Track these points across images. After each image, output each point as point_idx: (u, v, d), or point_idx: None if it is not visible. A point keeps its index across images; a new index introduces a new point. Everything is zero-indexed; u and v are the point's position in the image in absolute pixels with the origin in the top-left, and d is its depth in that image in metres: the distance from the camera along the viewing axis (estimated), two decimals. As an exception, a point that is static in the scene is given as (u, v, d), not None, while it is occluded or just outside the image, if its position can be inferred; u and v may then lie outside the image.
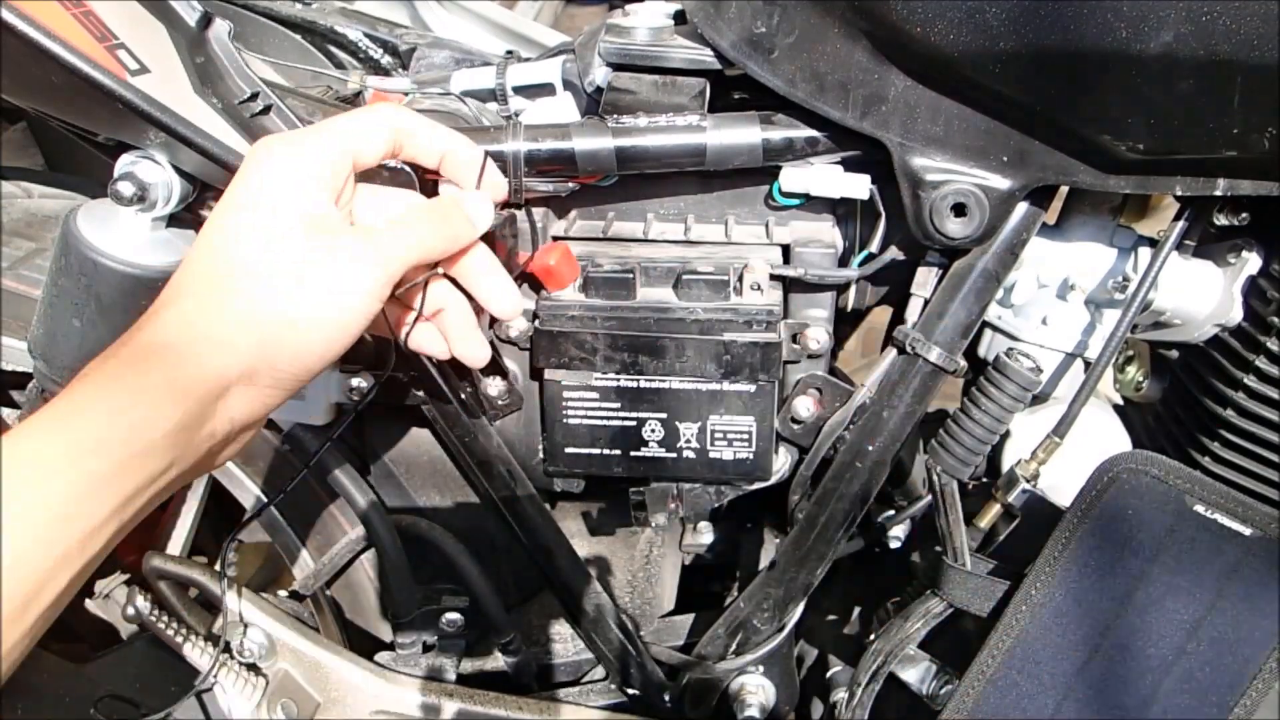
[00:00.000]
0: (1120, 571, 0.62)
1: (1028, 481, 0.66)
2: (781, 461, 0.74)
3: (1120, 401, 0.79)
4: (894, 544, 0.80)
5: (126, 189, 0.59)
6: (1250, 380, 0.63)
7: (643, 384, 0.69)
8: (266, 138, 0.50)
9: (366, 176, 0.54)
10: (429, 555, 0.84)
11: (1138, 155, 0.57)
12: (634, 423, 0.70)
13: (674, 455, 0.71)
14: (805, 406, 0.71)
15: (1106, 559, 0.62)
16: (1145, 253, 0.66)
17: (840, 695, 0.80)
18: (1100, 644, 0.63)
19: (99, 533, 0.42)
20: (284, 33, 0.86)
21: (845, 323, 0.80)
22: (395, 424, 0.82)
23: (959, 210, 0.62)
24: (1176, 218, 0.63)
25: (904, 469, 0.84)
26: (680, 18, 0.70)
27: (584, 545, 0.93)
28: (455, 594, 0.85)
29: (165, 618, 0.85)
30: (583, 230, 0.71)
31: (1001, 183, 0.61)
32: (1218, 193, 0.58)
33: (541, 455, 0.75)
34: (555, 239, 0.70)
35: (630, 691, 0.83)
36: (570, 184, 0.67)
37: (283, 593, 0.91)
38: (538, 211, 0.69)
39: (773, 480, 0.73)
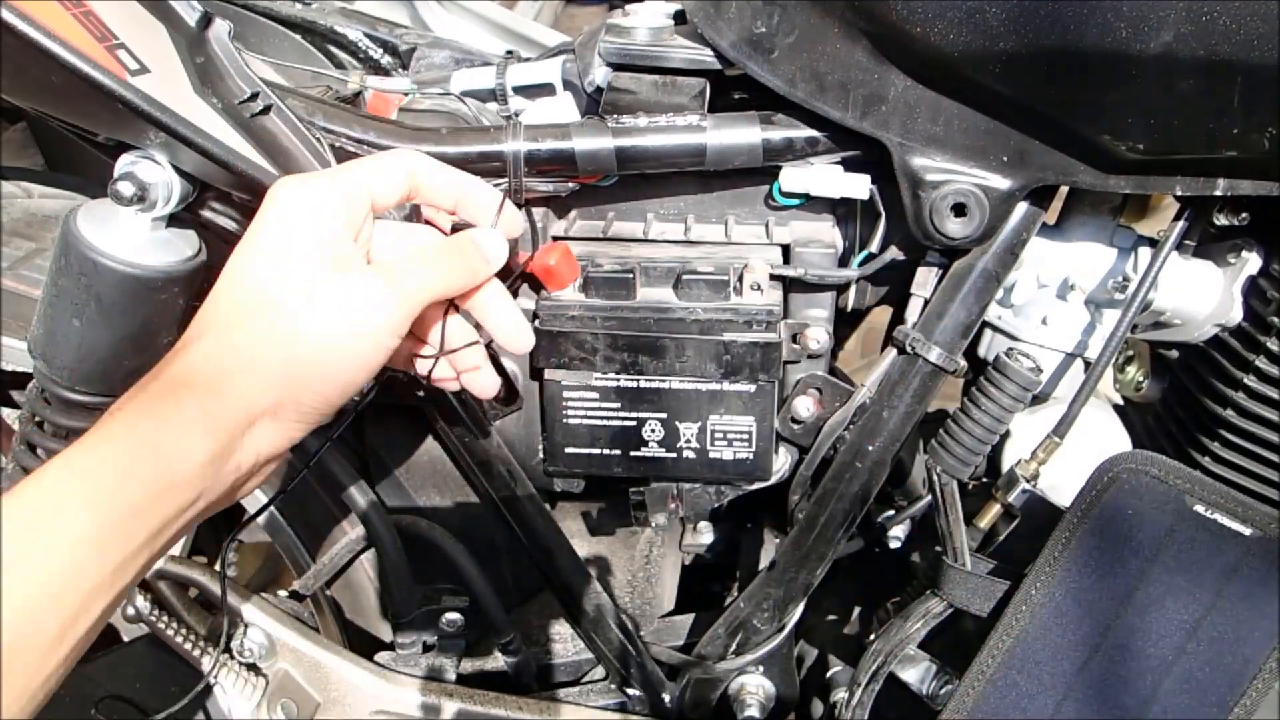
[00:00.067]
0: (1120, 571, 0.62)
1: (1028, 481, 0.66)
2: (781, 461, 0.74)
3: (1120, 401, 0.79)
4: (894, 544, 0.80)
5: (126, 189, 0.59)
6: (1250, 380, 0.63)
7: (643, 384, 0.69)
8: (286, 178, 0.52)
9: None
10: (429, 555, 0.84)
11: (1138, 155, 0.57)
12: (634, 423, 0.70)
13: (674, 455, 0.71)
14: (805, 406, 0.71)
15: (1106, 559, 0.62)
16: (1145, 253, 0.66)
17: (840, 695, 0.80)
18: (1100, 644, 0.63)
19: (131, 563, 0.43)
20: (284, 33, 0.86)
21: (845, 323, 0.80)
22: (395, 424, 0.82)
23: (959, 210, 0.62)
24: (1176, 218, 0.63)
25: (904, 469, 0.84)
26: (680, 18, 0.70)
27: (584, 545, 0.93)
28: (455, 594, 0.85)
29: (165, 618, 0.85)
30: (583, 230, 0.71)
31: (1001, 183, 0.61)
32: (1218, 193, 0.58)
33: (541, 455, 0.75)
34: (555, 239, 0.70)
35: (630, 691, 0.83)
36: (570, 184, 0.67)
37: (283, 593, 0.91)
38: (538, 211, 0.69)
39: (773, 480, 0.73)
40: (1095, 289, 0.68)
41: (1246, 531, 0.60)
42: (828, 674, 0.86)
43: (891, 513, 0.79)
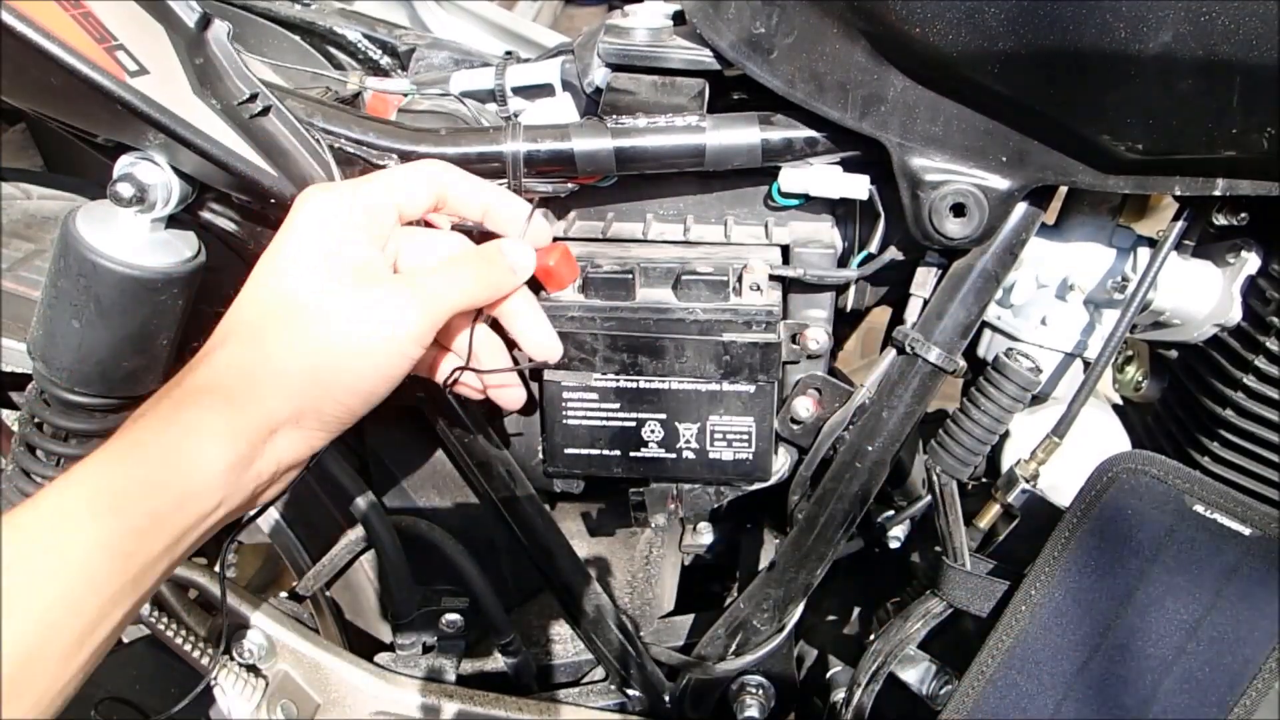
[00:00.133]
0: (1120, 571, 0.62)
1: (1027, 481, 0.66)
2: (781, 462, 0.74)
3: (1120, 401, 0.79)
4: (894, 544, 0.80)
5: (126, 190, 0.59)
6: (1250, 380, 0.63)
7: (642, 384, 0.69)
8: (313, 187, 0.53)
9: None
10: (429, 556, 0.84)
11: (1137, 155, 0.57)
12: (633, 423, 0.70)
13: (674, 456, 0.71)
14: (805, 407, 0.71)
15: (1106, 559, 0.62)
16: (1144, 253, 0.66)
17: (840, 695, 0.80)
18: (1100, 644, 0.63)
19: (150, 570, 0.43)
20: (283, 34, 0.86)
21: (845, 323, 0.80)
22: (395, 424, 0.82)
23: (958, 210, 0.62)
24: (1176, 218, 0.63)
25: (904, 469, 0.84)
26: (679, 18, 0.70)
27: (584, 545, 0.93)
28: (455, 594, 0.85)
29: (165, 619, 0.85)
30: (582, 231, 0.71)
31: (1001, 183, 0.61)
32: (1217, 193, 0.58)
33: (541, 456, 0.75)
34: (555, 239, 0.70)
35: (630, 692, 0.83)
36: (569, 185, 0.67)
37: (283, 593, 0.91)
38: (537, 212, 0.69)
39: (772, 480, 0.73)
40: (1094, 289, 0.68)
41: (1246, 531, 0.60)
42: (828, 674, 0.86)
43: (891, 513, 0.79)
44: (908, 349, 0.67)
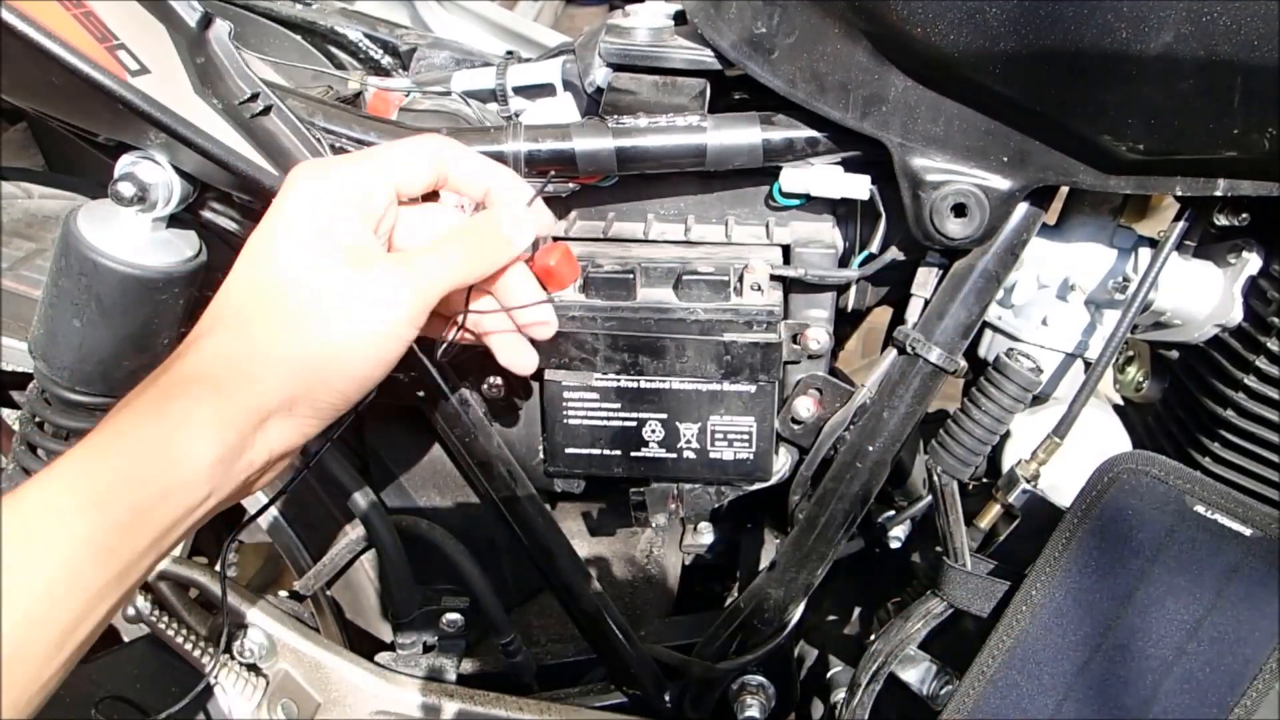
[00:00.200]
0: (1120, 571, 0.62)
1: (1028, 482, 0.66)
2: (781, 462, 0.74)
3: (1120, 401, 0.79)
4: (894, 544, 0.80)
5: (127, 189, 0.59)
6: (1250, 380, 0.63)
7: (643, 384, 0.69)
8: (305, 164, 0.50)
9: None
10: (429, 555, 0.84)
11: (1138, 155, 0.57)
12: (634, 423, 0.70)
13: (674, 455, 0.71)
14: (805, 407, 0.71)
15: (1107, 559, 0.62)
16: (1145, 253, 0.66)
17: (840, 695, 0.80)
18: (1100, 644, 0.63)
19: (136, 565, 0.42)
20: (284, 33, 0.86)
21: (845, 323, 0.80)
22: (395, 424, 0.82)
23: (959, 210, 0.62)
24: (1177, 218, 0.63)
25: (904, 469, 0.84)
26: (680, 18, 0.70)
27: (584, 545, 0.93)
28: (455, 594, 0.85)
29: (166, 618, 0.85)
30: (583, 230, 0.71)
31: (1002, 183, 0.61)
32: (1218, 193, 0.58)
33: (541, 455, 0.75)
34: (555, 239, 0.70)
35: (630, 692, 0.83)
36: (570, 184, 0.67)
37: (283, 593, 0.91)
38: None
39: (773, 480, 0.73)
40: (1095, 289, 0.68)
41: (1247, 532, 0.60)
42: (828, 674, 0.86)
43: (892, 513, 0.79)
44: (909, 349, 0.67)
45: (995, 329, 0.72)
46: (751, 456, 0.71)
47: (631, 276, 0.67)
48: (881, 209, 0.67)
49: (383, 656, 0.86)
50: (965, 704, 0.66)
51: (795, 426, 0.72)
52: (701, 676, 0.81)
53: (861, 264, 0.69)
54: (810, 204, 0.69)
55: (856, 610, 0.90)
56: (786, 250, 0.70)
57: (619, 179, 0.69)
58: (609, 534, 0.94)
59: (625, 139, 0.64)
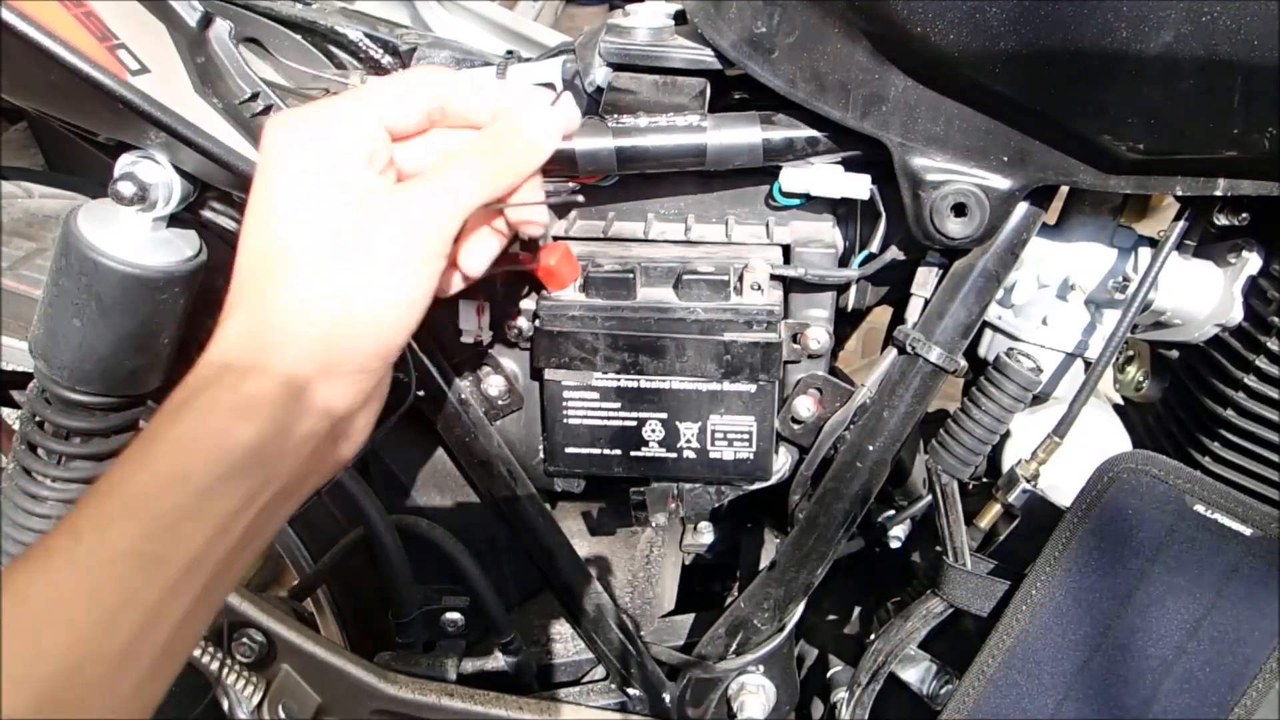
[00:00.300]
0: (1120, 571, 0.62)
1: (1028, 481, 0.66)
2: (781, 461, 0.74)
3: (1120, 401, 0.79)
4: (894, 544, 0.80)
5: (127, 189, 0.59)
6: (1250, 380, 0.63)
7: (643, 384, 0.69)
8: (279, 115, 0.46)
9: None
10: (429, 555, 0.84)
11: (1138, 155, 0.57)
12: (634, 423, 0.70)
13: (674, 455, 0.71)
14: (805, 406, 0.71)
15: (1107, 559, 0.62)
16: (1145, 253, 0.66)
17: (840, 695, 0.80)
18: (1100, 644, 0.63)
19: (199, 565, 0.40)
20: (284, 33, 0.86)
21: (845, 323, 0.80)
22: (395, 424, 0.82)
23: (959, 210, 0.62)
24: (1177, 218, 0.63)
25: (904, 469, 0.84)
26: (680, 18, 0.70)
27: (584, 545, 0.93)
28: (455, 594, 0.85)
29: (165, 618, 0.85)
30: (583, 230, 0.71)
31: (1002, 183, 0.61)
32: (1218, 193, 0.58)
33: (541, 455, 0.75)
34: (555, 239, 0.70)
35: (630, 691, 0.83)
36: (570, 184, 0.67)
37: (283, 592, 0.91)
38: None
39: (773, 480, 0.73)
40: (1095, 289, 0.68)
41: (1247, 531, 0.60)
42: (828, 674, 0.86)
43: (892, 513, 0.79)
44: (909, 349, 0.67)
45: (995, 329, 0.72)
46: (751, 456, 0.71)
47: (631, 276, 0.67)
48: (881, 209, 0.67)
49: (383, 656, 0.86)
50: (965, 704, 0.66)
51: (795, 426, 0.72)
52: (701, 676, 0.81)
53: (861, 264, 0.69)
54: (810, 203, 0.69)
55: (856, 610, 0.90)
56: (786, 250, 0.70)
57: (619, 178, 0.69)
58: (609, 533, 0.94)
59: (625, 138, 0.64)
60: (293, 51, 0.76)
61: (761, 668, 0.80)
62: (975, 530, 0.69)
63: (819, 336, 0.70)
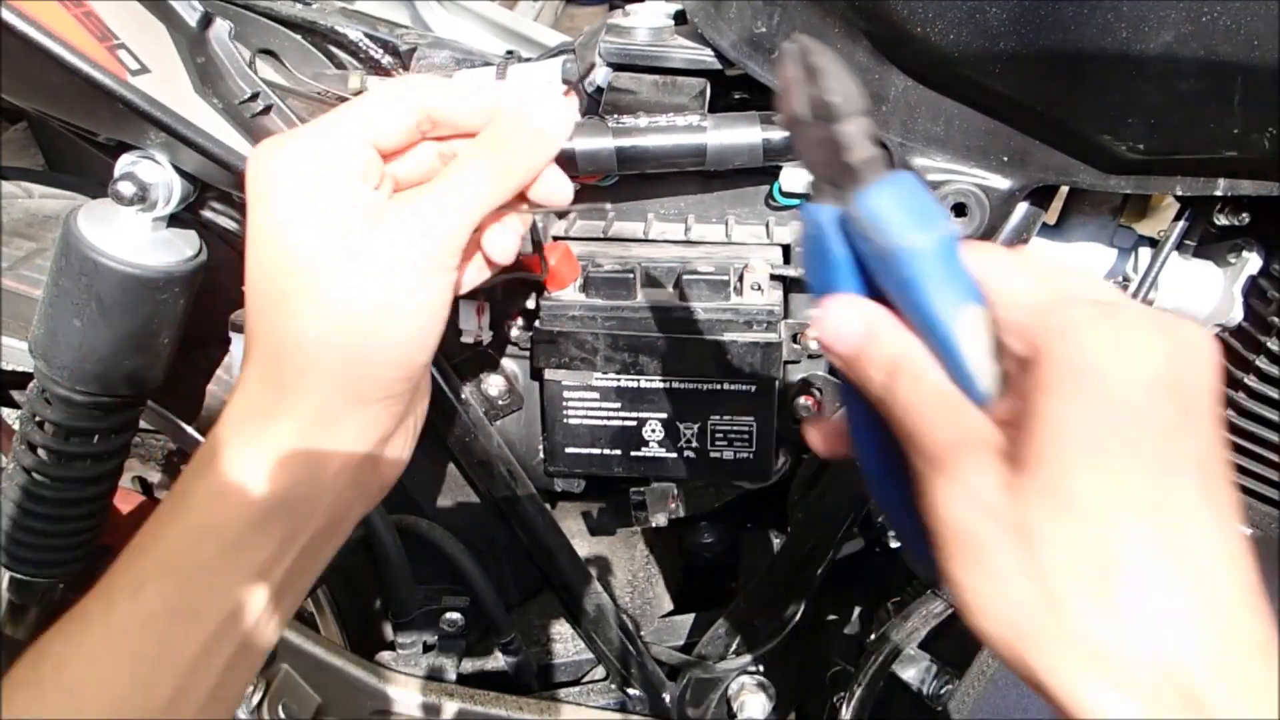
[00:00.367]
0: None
1: (1028, 481, 0.66)
2: (781, 461, 0.74)
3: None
4: (894, 544, 0.80)
5: (127, 189, 0.59)
6: (1250, 380, 0.63)
7: (643, 384, 0.69)
8: (263, 144, 0.44)
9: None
10: (429, 555, 0.84)
11: (1138, 155, 0.57)
12: (634, 423, 0.70)
13: (674, 455, 0.71)
14: (805, 407, 0.71)
15: (1107, 559, 0.62)
16: (1145, 253, 0.66)
17: (840, 695, 0.80)
18: (1100, 644, 0.63)
19: (241, 611, 0.40)
20: (284, 33, 0.86)
21: (846, 323, 0.80)
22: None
23: (959, 210, 0.62)
24: (1177, 218, 0.63)
25: (904, 469, 0.84)
26: (680, 18, 0.70)
27: (584, 545, 0.93)
28: (455, 594, 0.85)
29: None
30: (583, 230, 0.71)
31: (1002, 183, 0.61)
32: (1218, 193, 0.58)
33: (541, 455, 0.75)
34: (555, 239, 0.70)
35: (630, 691, 0.83)
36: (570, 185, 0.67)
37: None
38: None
39: (773, 480, 0.73)
40: (1095, 289, 0.68)
41: (1247, 531, 0.60)
42: (828, 674, 0.86)
43: (892, 513, 0.79)
44: (908, 349, 0.66)
45: (995, 329, 0.72)
46: (751, 456, 0.71)
47: (631, 276, 0.67)
48: (881, 209, 0.67)
49: (383, 656, 0.86)
50: (965, 704, 0.66)
51: (795, 426, 0.72)
52: (701, 676, 0.81)
53: (861, 264, 0.69)
54: (810, 204, 0.69)
55: (856, 610, 0.90)
56: (786, 250, 0.70)
57: (619, 178, 0.69)
58: (609, 534, 0.94)
59: (625, 138, 0.64)
60: (293, 51, 0.76)
61: (761, 668, 0.80)
62: (975, 530, 0.69)
63: (819, 336, 0.70)
